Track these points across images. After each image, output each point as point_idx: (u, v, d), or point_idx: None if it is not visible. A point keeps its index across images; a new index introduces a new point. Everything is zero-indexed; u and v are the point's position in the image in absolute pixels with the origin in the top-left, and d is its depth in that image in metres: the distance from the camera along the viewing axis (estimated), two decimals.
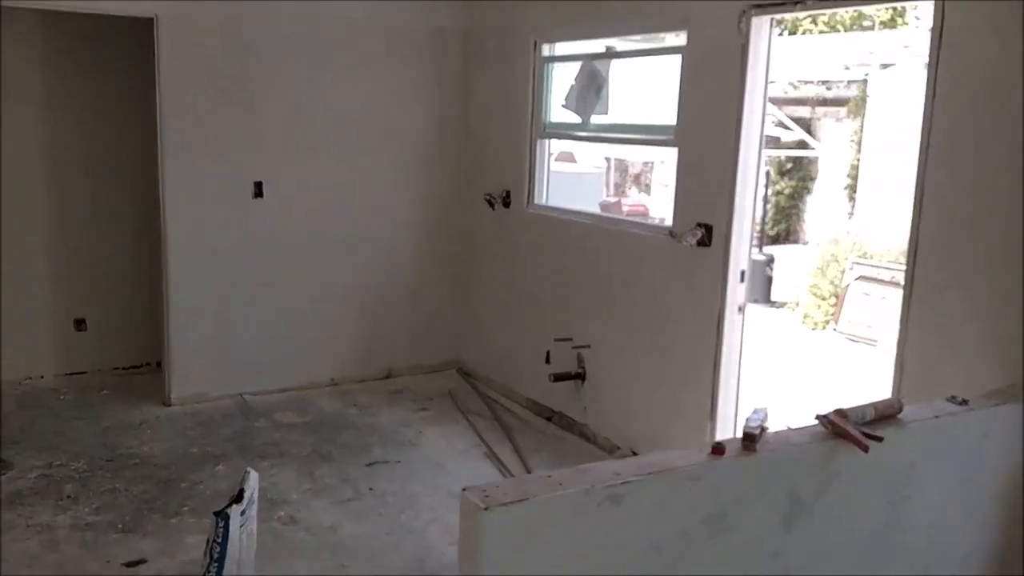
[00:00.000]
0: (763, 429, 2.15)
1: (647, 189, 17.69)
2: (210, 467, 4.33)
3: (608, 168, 13.89)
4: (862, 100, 14.63)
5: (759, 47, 3.74)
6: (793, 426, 2.29)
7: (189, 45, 4.90)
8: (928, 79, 3.04)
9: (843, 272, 10.40)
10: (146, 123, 5.24)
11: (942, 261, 3.05)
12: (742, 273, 3.88)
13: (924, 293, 3.10)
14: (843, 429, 2.21)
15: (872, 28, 14.79)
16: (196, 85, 4.97)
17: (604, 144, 5.49)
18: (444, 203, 5.89)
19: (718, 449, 2.07)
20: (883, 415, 2.34)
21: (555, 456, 4.58)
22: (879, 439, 2.20)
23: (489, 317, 5.75)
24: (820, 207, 15.12)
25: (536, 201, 5.26)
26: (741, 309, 3.92)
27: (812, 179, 15.96)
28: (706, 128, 3.96)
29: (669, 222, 4.23)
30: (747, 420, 2.17)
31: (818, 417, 2.29)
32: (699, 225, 3.92)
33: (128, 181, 5.58)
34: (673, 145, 4.20)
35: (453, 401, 5.45)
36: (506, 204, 5.44)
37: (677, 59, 4.18)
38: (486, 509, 1.75)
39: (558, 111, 5.06)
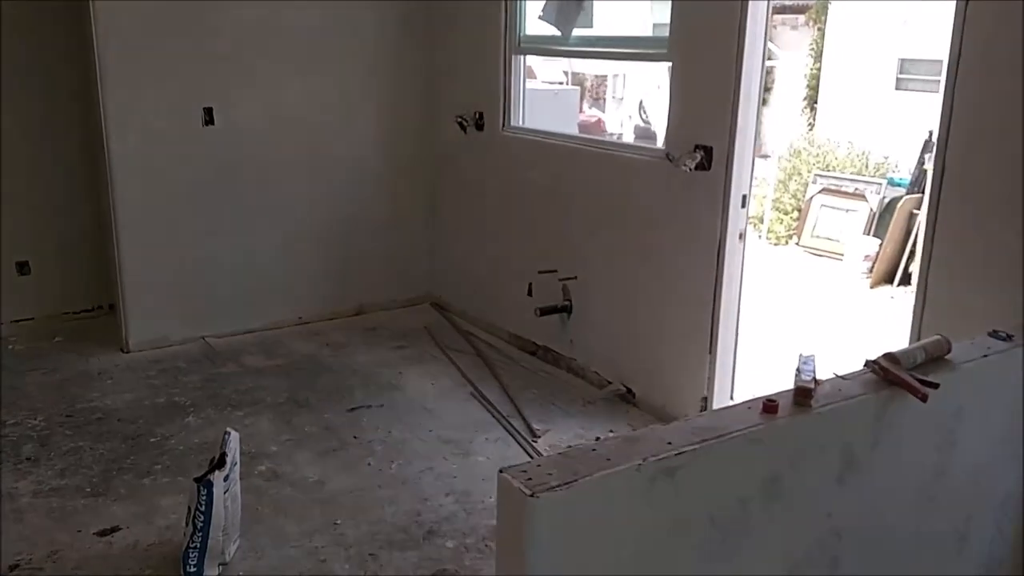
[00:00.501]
0: (817, 382, 1.96)
1: (600, 104, 17.30)
2: (180, 419, 4.06)
3: (566, 83, 13.44)
4: (823, 7, 14.34)
5: None
6: (841, 374, 2.10)
7: None
8: None
9: (806, 185, 10.28)
10: (84, 46, 4.75)
11: (969, 188, 2.85)
12: (743, 198, 3.66)
13: (948, 222, 2.92)
14: (898, 376, 2.03)
15: None
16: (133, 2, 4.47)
17: (587, 59, 5.11)
18: (412, 127, 5.52)
19: (771, 406, 1.88)
20: (932, 357, 2.17)
21: (544, 393, 4.40)
22: (935, 385, 2.03)
23: (464, 248, 5.47)
24: (779, 119, 14.94)
25: (512, 123, 4.93)
26: (742, 236, 3.71)
27: (768, 90, 15.73)
28: (704, 40, 3.66)
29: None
30: (798, 371, 1.97)
31: (867, 363, 2.10)
32: (698, 147, 3.66)
33: (67, 110, 5.07)
34: (666, 60, 3.90)
35: (431, 337, 5.21)
36: (479, 127, 5.10)
37: None
38: (532, 495, 1.53)
39: (535, 24, 4.69)
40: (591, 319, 4.49)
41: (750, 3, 3.45)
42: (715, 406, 3.83)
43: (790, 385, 1.97)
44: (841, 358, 2.39)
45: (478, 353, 4.95)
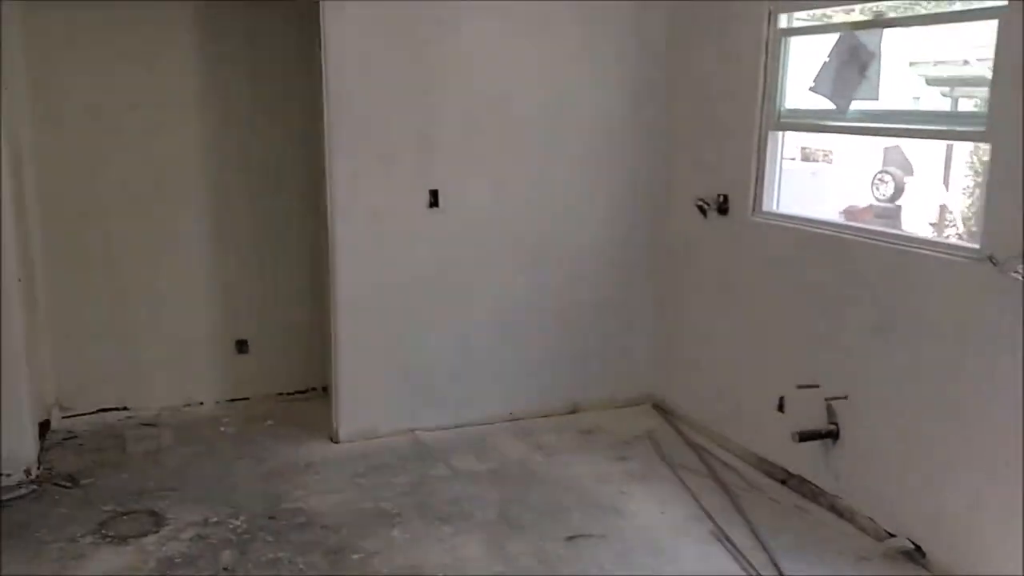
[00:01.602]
0: None
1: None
2: (385, 531, 3.65)
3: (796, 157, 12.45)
4: None
5: None
6: None
7: (358, 34, 4.25)
8: None
9: None
10: (311, 126, 4.68)
11: None
12: None
13: None
14: None
15: None
16: (367, 81, 4.31)
17: (867, 136, 4.38)
18: (643, 209, 5.00)
19: None
20: None
21: (803, 540, 3.60)
22: None
23: (697, 347, 4.82)
24: None
25: (765, 207, 4.29)
26: None
27: None
28: None
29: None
30: None
31: None
32: None
33: (292, 192, 5.02)
34: (983, 140, 3.12)
35: (656, 449, 4.56)
36: (723, 211, 4.49)
37: (990, 26, 3.11)
38: None
39: (798, 96, 4.07)
40: (865, 450, 3.67)
41: None
42: None
43: None
44: None
45: (713, 475, 4.24)
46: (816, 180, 6.89)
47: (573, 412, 5.06)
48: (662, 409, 5.11)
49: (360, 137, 4.35)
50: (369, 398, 4.63)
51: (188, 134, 4.79)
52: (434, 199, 4.55)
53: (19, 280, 3.87)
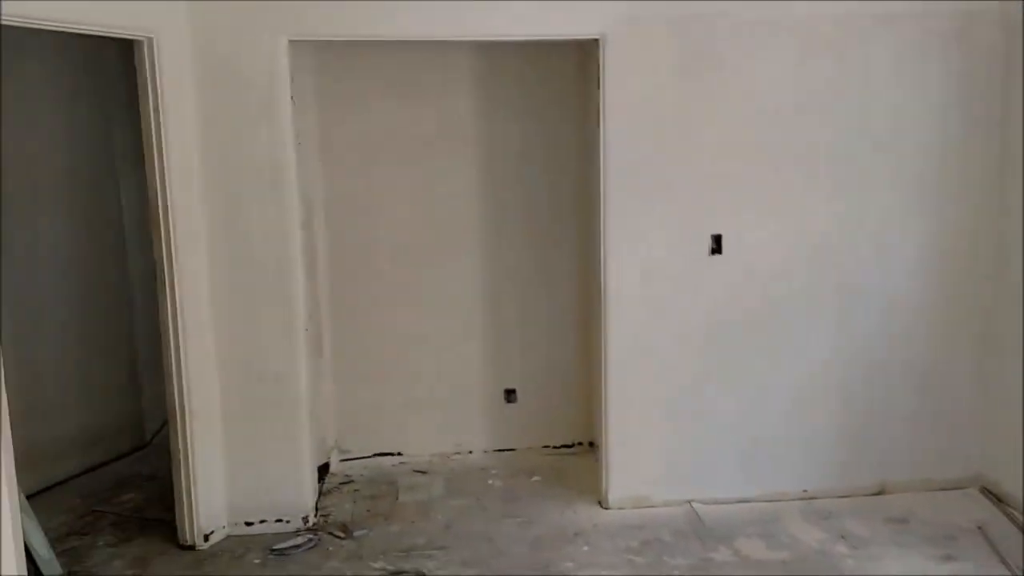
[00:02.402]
0: None
1: None
2: None
3: None
4: None
5: None
6: None
7: (635, 69, 3.94)
8: None
9: None
10: (584, 170, 4.46)
11: None
12: None
13: None
14: None
15: None
16: (644, 121, 3.98)
17: None
18: (974, 254, 4.21)
19: None
20: None
21: None
22: None
23: None
24: None
25: None
26: None
27: None
28: None
29: None
30: None
31: None
32: None
33: (564, 239, 4.82)
34: None
35: (991, 547, 3.74)
36: None
37: None
38: None
39: None
40: None
41: None
42: None
43: None
44: None
45: None
46: None
47: (880, 493, 4.34)
48: (993, 495, 4.23)
49: (636, 179, 4.03)
50: (641, 461, 4.25)
51: (462, 181, 4.75)
52: (716, 245, 4.11)
53: (306, 329, 3.96)
